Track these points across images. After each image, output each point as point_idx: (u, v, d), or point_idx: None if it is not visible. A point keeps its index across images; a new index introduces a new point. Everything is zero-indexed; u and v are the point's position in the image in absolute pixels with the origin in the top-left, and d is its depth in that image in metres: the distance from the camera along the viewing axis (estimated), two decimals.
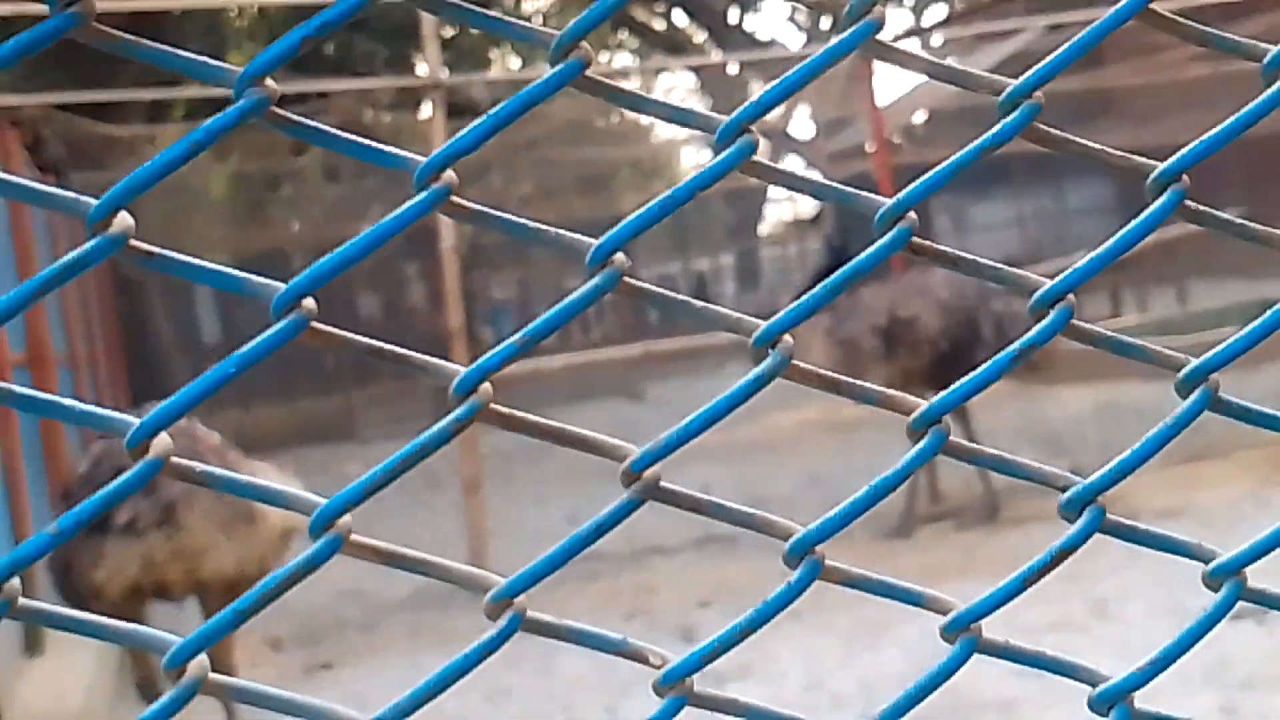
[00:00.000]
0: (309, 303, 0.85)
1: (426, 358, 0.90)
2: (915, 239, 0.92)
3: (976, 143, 0.91)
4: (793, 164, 25.75)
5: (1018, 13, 13.76)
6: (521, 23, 0.91)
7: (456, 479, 9.37)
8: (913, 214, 0.92)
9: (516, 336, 0.88)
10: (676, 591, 7.62)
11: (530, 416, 0.92)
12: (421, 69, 12.63)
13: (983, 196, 27.54)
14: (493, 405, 0.88)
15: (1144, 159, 0.97)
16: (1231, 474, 8.44)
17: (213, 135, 0.83)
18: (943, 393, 0.95)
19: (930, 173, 0.92)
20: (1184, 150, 0.94)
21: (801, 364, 0.92)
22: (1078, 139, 0.96)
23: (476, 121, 0.86)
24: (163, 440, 0.84)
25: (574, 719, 5.83)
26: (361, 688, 6.46)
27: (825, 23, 25.22)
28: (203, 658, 0.86)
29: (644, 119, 23.30)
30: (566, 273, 25.63)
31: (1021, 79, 0.91)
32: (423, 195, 0.86)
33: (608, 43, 27.16)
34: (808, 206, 31.66)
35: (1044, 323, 0.94)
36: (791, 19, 30.74)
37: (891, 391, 0.97)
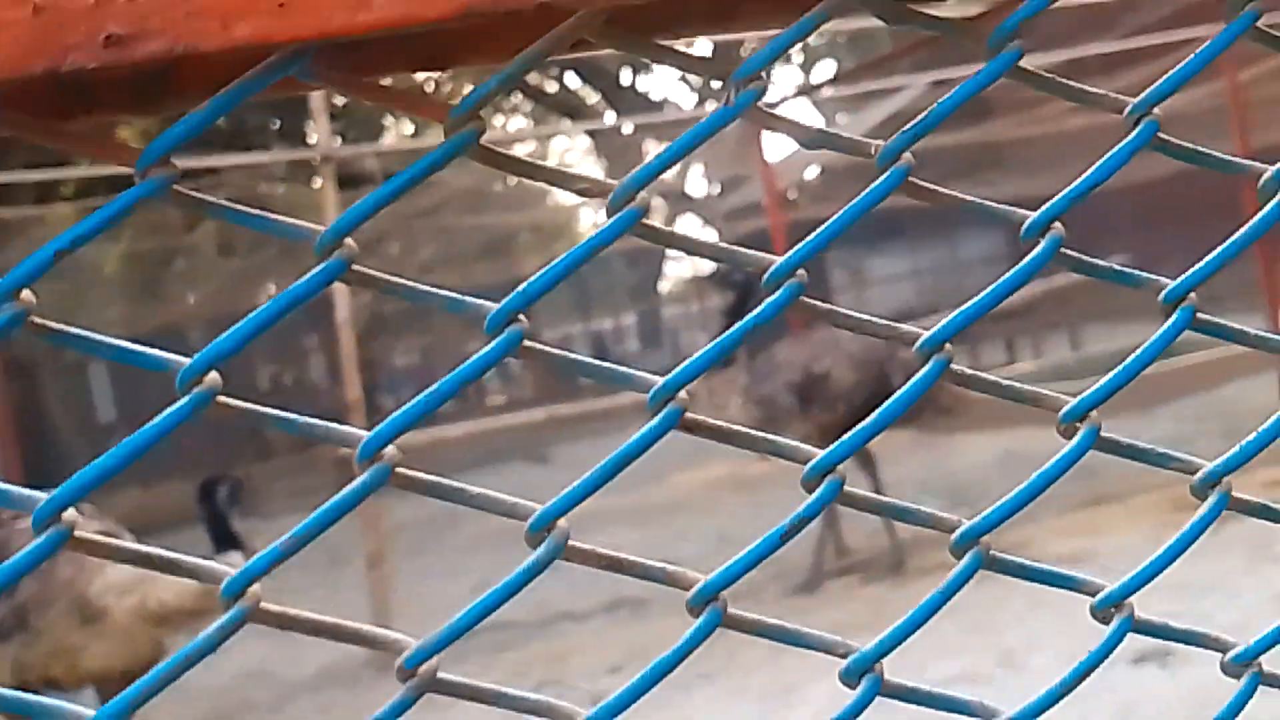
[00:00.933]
0: (214, 376, 0.84)
1: (331, 424, 0.90)
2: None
3: (851, 204, 0.93)
4: (690, 222, 25.95)
5: (903, 69, 14.00)
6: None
7: (360, 554, 9.26)
8: (802, 271, 0.93)
9: (419, 398, 0.88)
10: (587, 658, 7.57)
11: (434, 478, 0.91)
12: (314, 140, 12.59)
13: (878, 250, 27.92)
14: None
15: (1017, 209, 0.99)
16: (1130, 518, 8.56)
17: (120, 213, 0.83)
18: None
19: (812, 235, 0.94)
20: (1053, 200, 0.97)
21: (696, 416, 0.92)
22: (951, 192, 0.99)
23: (374, 191, 0.87)
24: (70, 514, 0.82)
25: None
26: None
27: (716, 83, 25.46)
28: None
29: (542, 184, 23.41)
30: (467, 338, 25.56)
31: (890, 141, 0.94)
32: (324, 265, 0.86)
33: (501, 107, 27.23)
34: (707, 264, 31.90)
35: (921, 373, 0.96)
36: (683, 79, 31.03)
37: (785, 441, 0.98)
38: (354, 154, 14.35)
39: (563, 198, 20.13)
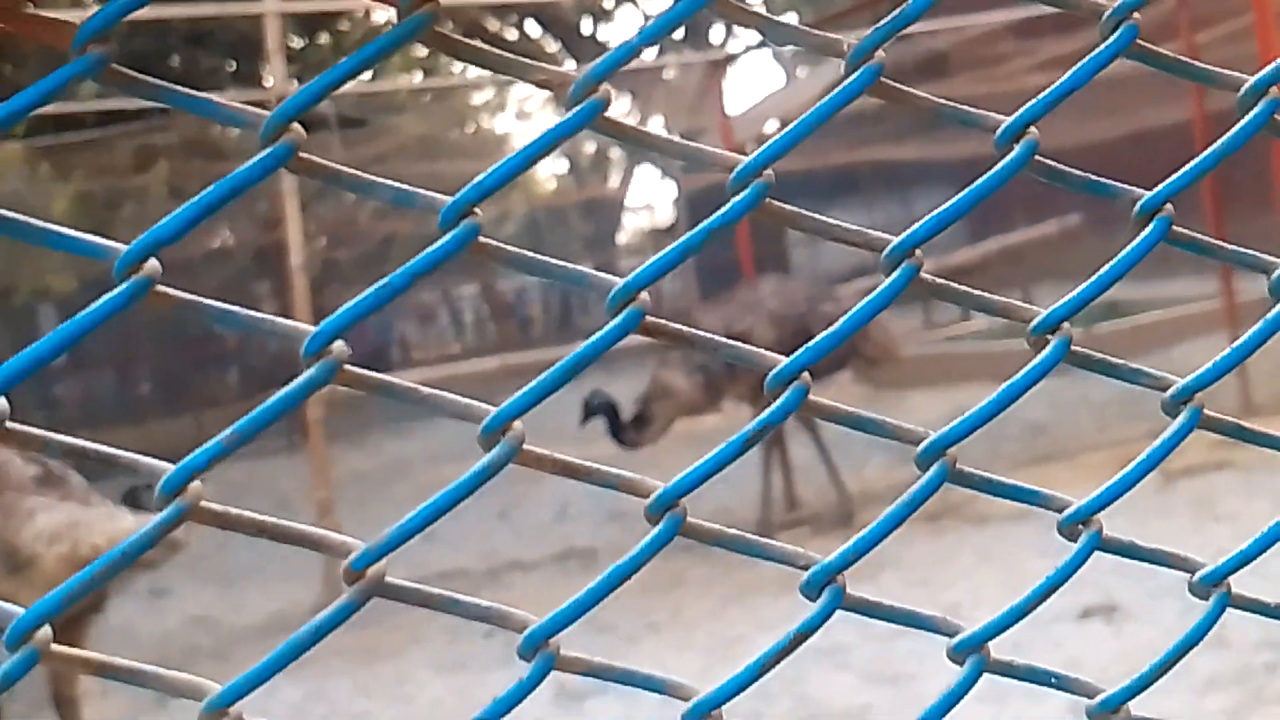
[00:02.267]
0: (153, 264, 0.81)
1: (276, 318, 0.88)
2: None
3: (822, 103, 0.91)
4: (648, 172, 25.87)
5: (865, 24, 13.97)
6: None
7: (309, 503, 9.23)
8: (769, 172, 0.91)
9: (367, 292, 0.86)
10: (536, 607, 7.45)
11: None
12: (269, 83, 12.45)
13: (833, 206, 27.94)
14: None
15: (991, 114, 0.98)
16: (1077, 476, 8.63)
17: (54, 90, 0.79)
18: (677, 477, 0.94)
19: (778, 134, 0.92)
20: (1029, 104, 0.96)
21: (656, 320, 0.90)
22: (921, 93, 0.97)
23: (323, 74, 0.83)
24: (1, 403, 0.80)
25: None
26: None
27: (678, 33, 25.40)
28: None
29: (499, 131, 23.22)
30: (423, 285, 25.42)
31: (862, 39, 0.91)
32: (271, 149, 0.82)
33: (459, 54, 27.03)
34: (664, 217, 31.82)
35: (889, 280, 0.94)
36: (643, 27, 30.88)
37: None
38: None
39: (520, 146, 19.99)
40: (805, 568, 0.97)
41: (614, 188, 31.13)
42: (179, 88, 0.83)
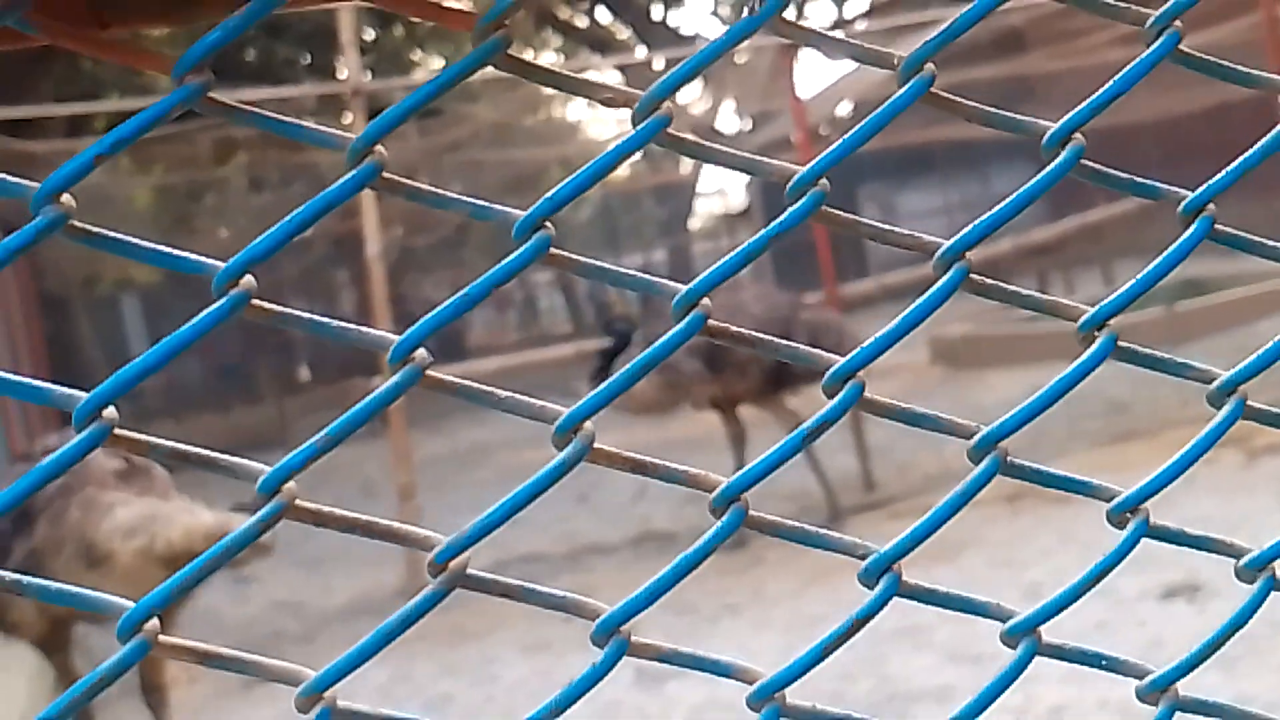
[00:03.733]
0: (249, 279, 0.86)
1: (362, 328, 0.92)
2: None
3: (874, 114, 0.94)
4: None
5: (937, 2, 13.86)
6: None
7: (391, 488, 9.33)
8: (824, 181, 0.93)
9: (449, 302, 0.89)
10: (615, 590, 7.55)
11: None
12: (343, 74, 12.54)
13: (909, 185, 27.77)
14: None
15: (1039, 120, 0.98)
16: (1158, 454, 8.50)
17: (158, 118, 0.83)
18: (740, 472, 0.97)
19: (832, 146, 0.93)
20: (1074, 111, 0.96)
21: (718, 324, 0.93)
22: (974, 104, 0.98)
23: (403, 99, 0.88)
24: (111, 412, 0.85)
25: None
26: None
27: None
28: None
29: (571, 118, 23.27)
30: (491, 265, 25.47)
31: (912, 52, 0.93)
32: (356, 170, 0.87)
33: (532, 41, 27.11)
34: (737, 201, 31.76)
35: (940, 282, 0.96)
36: (714, 13, 30.79)
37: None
38: (384, 88, 14.30)
39: (593, 132, 20.04)
40: (863, 557, 1.00)
41: (687, 173, 31.08)
42: (269, 114, 0.88)
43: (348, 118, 10.28)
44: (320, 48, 18.79)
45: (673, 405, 8.85)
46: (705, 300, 0.92)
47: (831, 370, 0.96)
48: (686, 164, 31.99)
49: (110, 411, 0.84)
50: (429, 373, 0.90)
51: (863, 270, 22.95)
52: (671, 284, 0.94)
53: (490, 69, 0.89)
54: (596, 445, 0.92)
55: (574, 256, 0.93)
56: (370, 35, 20.02)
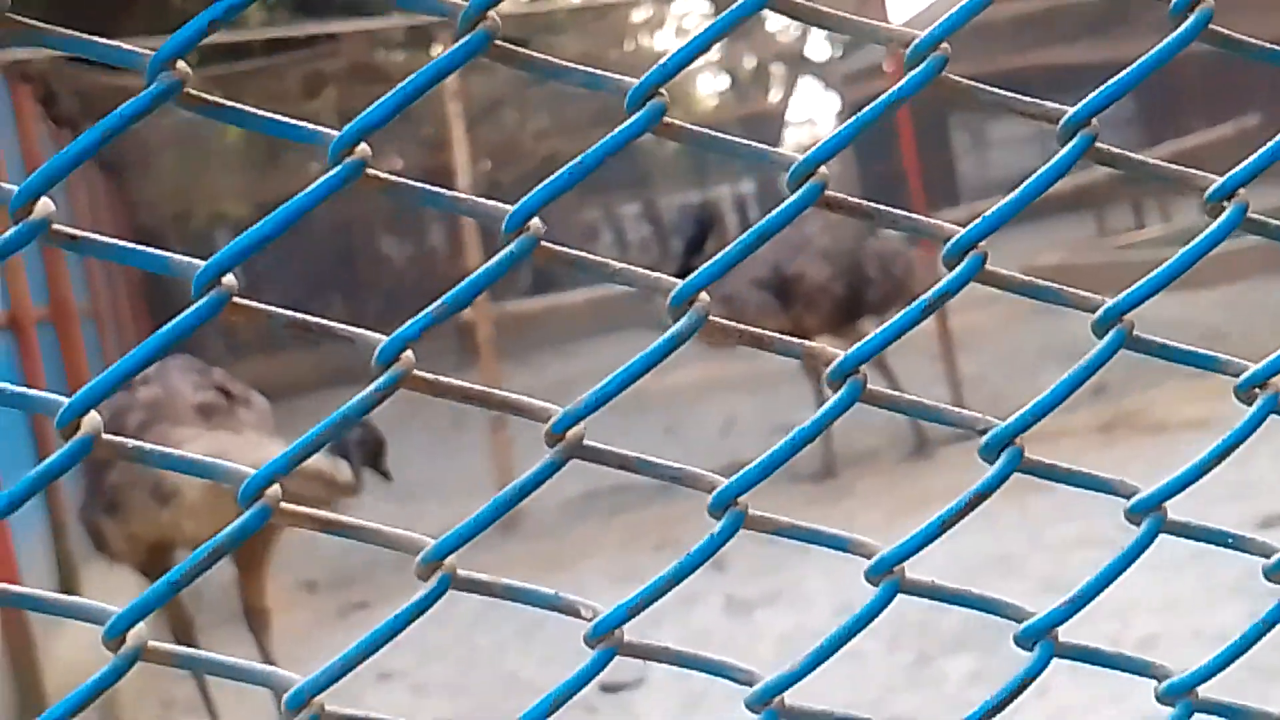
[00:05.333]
0: (229, 280, 0.87)
1: (349, 328, 0.92)
2: (830, 194, 0.93)
3: (881, 99, 0.95)
4: (809, 86, 25.55)
5: None
6: None
7: (482, 418, 9.40)
8: (824, 169, 0.93)
9: (436, 305, 0.90)
10: (705, 521, 7.60)
11: (454, 381, 0.93)
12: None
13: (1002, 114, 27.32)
14: (416, 373, 0.89)
15: (1057, 105, 0.96)
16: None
17: (125, 122, 0.85)
18: (857, 344, 0.97)
19: (832, 133, 0.94)
20: (1089, 98, 0.99)
21: (718, 320, 0.95)
22: (984, 87, 0.97)
23: (386, 95, 0.88)
24: (92, 419, 0.85)
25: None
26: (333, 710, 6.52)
27: None
28: (141, 628, 0.88)
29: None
30: (583, 205, 25.57)
31: (924, 34, 0.94)
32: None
33: None
34: (826, 130, 31.45)
35: (955, 272, 0.96)
36: None
37: (810, 344, 1.00)
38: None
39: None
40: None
41: (775, 102, 30.81)
42: (254, 112, 0.90)
43: (436, 50, 10.30)
44: None
45: (740, 339, 8.82)
46: (822, 169, 0.93)
47: (835, 365, 0.96)
48: (776, 93, 31.74)
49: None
50: (415, 374, 0.90)
51: (954, 199, 22.69)
52: (785, 153, 0.95)
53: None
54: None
55: (687, 125, 0.94)
56: None
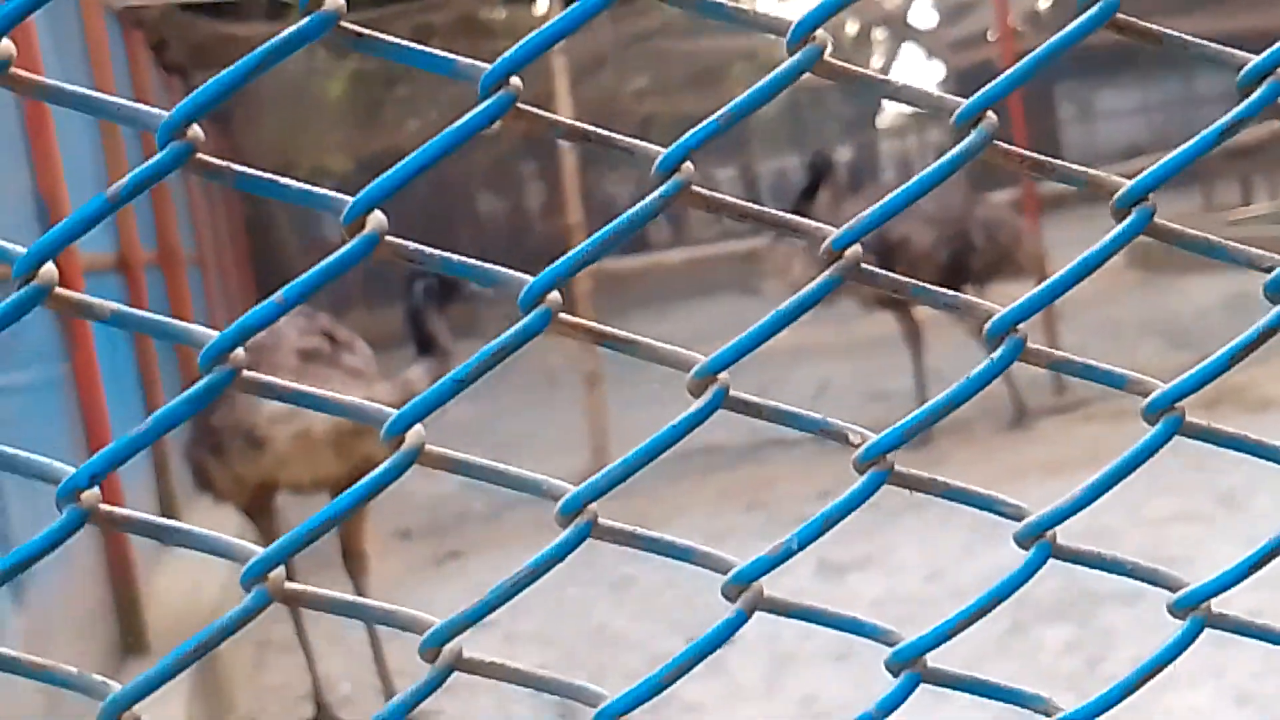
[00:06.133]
0: (379, 219, 0.87)
1: (498, 269, 0.91)
2: (997, 142, 0.92)
3: (1059, 38, 0.92)
4: (913, 53, 25.23)
5: None
6: None
7: (575, 376, 9.45)
8: (992, 115, 0.91)
9: (582, 249, 0.90)
10: (795, 484, 7.64)
11: (600, 326, 0.94)
12: None
13: (1109, 83, 26.87)
14: (562, 315, 0.89)
15: (1239, 51, 0.95)
16: None
17: (288, 49, 0.86)
18: (1018, 301, 0.96)
19: (1009, 70, 0.92)
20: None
21: (871, 268, 0.94)
22: (1162, 29, 0.95)
23: (535, 32, 0.87)
24: (238, 354, 0.87)
25: (694, 611, 5.90)
26: (488, 576, 6.50)
27: None
28: (280, 571, 0.90)
29: (759, 5, 22.96)
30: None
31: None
32: (488, 103, 0.87)
33: None
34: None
35: (1124, 224, 0.94)
36: None
37: (969, 298, 0.98)
38: None
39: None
40: (1019, 519, 1.04)
41: (877, 69, 30.47)
42: (408, 44, 0.90)
43: (541, 5, 10.30)
44: None
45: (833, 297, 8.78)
46: (990, 114, 0.92)
47: (994, 321, 0.95)
48: (877, 59, 31.41)
49: (379, 218, 0.86)
50: (561, 316, 0.90)
51: None
52: (951, 97, 0.95)
53: None
54: (732, 393, 0.95)
55: (711, 194, 0.93)
56: None
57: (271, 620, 6.01)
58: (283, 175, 0.89)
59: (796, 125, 30.09)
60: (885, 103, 31.61)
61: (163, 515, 6.35)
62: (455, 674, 0.92)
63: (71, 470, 0.87)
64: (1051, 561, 0.99)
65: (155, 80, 9.93)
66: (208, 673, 5.01)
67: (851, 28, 29.89)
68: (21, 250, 0.85)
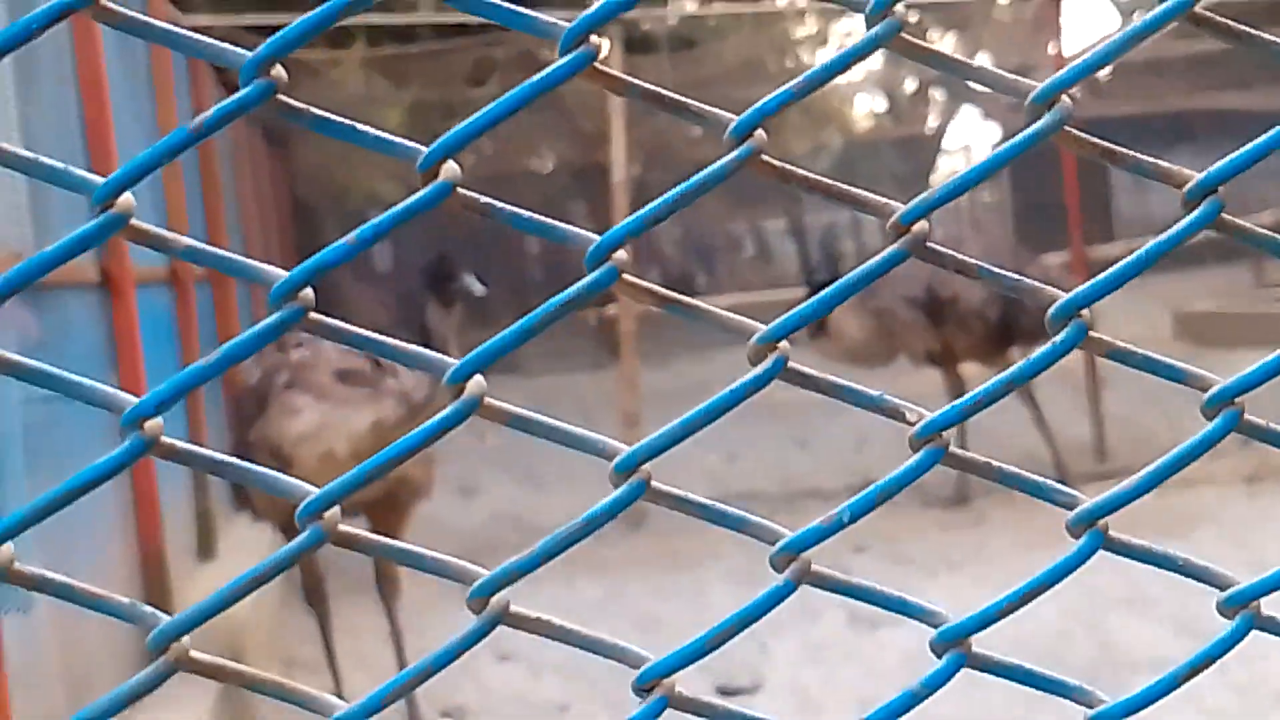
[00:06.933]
0: (451, 166, 0.92)
1: (567, 226, 0.94)
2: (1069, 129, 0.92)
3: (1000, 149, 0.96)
4: (969, 115, 25.25)
5: None
6: None
7: (614, 414, 9.45)
8: (1067, 98, 0.93)
9: (651, 208, 0.93)
10: (835, 537, 7.56)
11: (662, 290, 0.95)
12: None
13: (1165, 154, 26.76)
14: (626, 276, 0.91)
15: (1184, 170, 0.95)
16: None
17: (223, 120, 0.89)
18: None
19: (1084, 56, 0.94)
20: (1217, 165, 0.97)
21: (941, 249, 0.95)
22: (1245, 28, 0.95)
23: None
24: (307, 294, 0.91)
25: (720, 653, 5.87)
26: (518, 605, 6.59)
27: None
28: (335, 511, 0.98)
29: (818, 63, 23.01)
30: (729, 209, 25.56)
31: (1047, 84, 0.92)
32: (568, 57, 0.91)
33: None
34: (983, 156, 31.06)
35: (1194, 214, 0.95)
36: None
37: (1033, 283, 0.99)
38: (642, 16, 14.36)
39: (838, 79, 19.83)
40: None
41: (933, 127, 30.47)
42: (347, 123, 0.92)
43: (604, 46, 10.33)
44: None
45: (885, 354, 8.68)
46: (1066, 97, 0.92)
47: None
48: (934, 118, 31.41)
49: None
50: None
51: (1109, 234, 22.30)
52: (1026, 80, 0.95)
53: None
54: (653, 484, 0.99)
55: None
56: None
57: (298, 641, 6.02)
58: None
59: (850, 177, 30.07)
60: (940, 159, 31.63)
61: (201, 534, 6.38)
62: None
63: (135, 400, 0.87)
64: (1085, 626, 0.99)
65: (216, 99, 10.02)
66: (232, 690, 5.01)
67: (910, 85, 29.95)
68: (99, 180, 0.86)
